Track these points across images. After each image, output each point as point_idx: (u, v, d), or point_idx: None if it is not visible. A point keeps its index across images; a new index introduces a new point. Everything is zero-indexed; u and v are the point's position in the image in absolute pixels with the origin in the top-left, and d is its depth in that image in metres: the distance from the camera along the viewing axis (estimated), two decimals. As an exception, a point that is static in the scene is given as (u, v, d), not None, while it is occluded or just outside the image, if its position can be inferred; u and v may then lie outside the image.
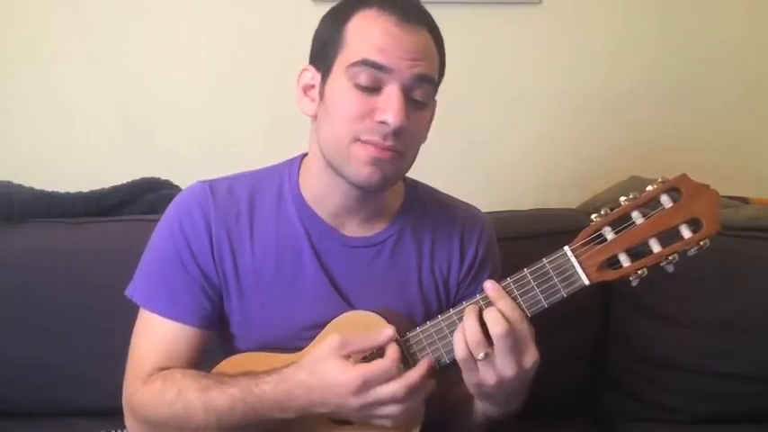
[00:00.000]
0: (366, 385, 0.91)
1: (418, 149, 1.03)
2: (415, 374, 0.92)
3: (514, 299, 0.93)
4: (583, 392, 1.53)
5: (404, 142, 0.97)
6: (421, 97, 0.97)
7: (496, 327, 0.89)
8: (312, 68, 1.02)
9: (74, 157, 1.71)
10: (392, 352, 0.93)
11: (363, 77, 0.95)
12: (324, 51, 1.00)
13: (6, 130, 1.71)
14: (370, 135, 0.95)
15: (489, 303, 0.93)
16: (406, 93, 0.96)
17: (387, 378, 0.91)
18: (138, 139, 1.72)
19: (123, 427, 1.09)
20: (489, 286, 0.94)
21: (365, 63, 0.94)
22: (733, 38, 1.75)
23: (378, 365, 0.91)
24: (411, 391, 0.92)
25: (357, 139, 0.96)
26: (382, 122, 0.94)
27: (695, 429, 1.46)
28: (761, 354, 1.43)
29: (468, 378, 0.94)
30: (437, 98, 1.03)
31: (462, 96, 1.68)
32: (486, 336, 0.90)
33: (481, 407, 1.02)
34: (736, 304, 1.44)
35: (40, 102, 1.70)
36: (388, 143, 0.95)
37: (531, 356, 0.92)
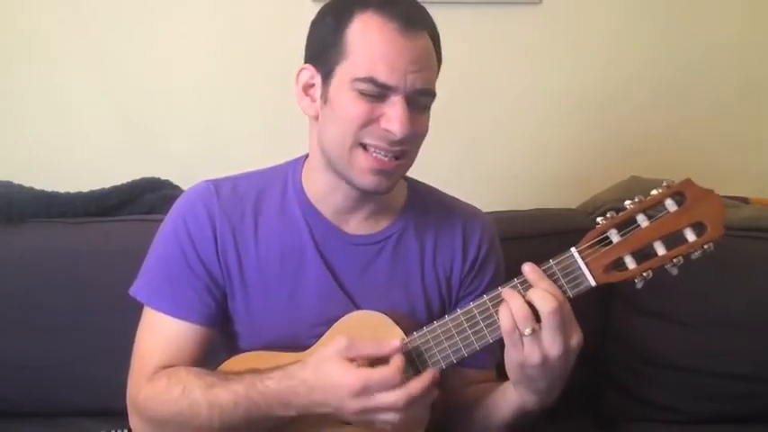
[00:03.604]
0: (366, 390, 0.90)
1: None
2: (417, 385, 0.92)
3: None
4: (583, 392, 1.53)
5: (409, 144, 0.99)
6: (423, 103, 0.99)
7: (545, 304, 0.89)
8: (311, 68, 1.01)
9: (74, 157, 1.71)
10: (397, 361, 0.92)
11: (369, 89, 0.95)
12: (324, 54, 0.99)
13: (6, 130, 1.71)
14: (376, 141, 0.97)
15: (527, 284, 0.92)
16: (410, 101, 0.96)
17: (388, 386, 0.91)
18: (138, 139, 1.72)
19: (123, 426, 1.09)
20: (528, 269, 0.93)
21: (371, 81, 0.94)
22: (733, 38, 1.75)
23: (380, 373, 0.91)
24: (412, 401, 0.91)
25: (360, 144, 0.97)
26: (388, 131, 0.96)
27: (695, 429, 1.46)
28: (760, 354, 1.43)
29: (512, 357, 0.92)
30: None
31: (462, 96, 1.69)
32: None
33: (518, 398, 0.99)
34: (735, 304, 1.44)
35: (40, 102, 1.70)
36: (395, 149, 0.97)
37: (576, 336, 0.92)
